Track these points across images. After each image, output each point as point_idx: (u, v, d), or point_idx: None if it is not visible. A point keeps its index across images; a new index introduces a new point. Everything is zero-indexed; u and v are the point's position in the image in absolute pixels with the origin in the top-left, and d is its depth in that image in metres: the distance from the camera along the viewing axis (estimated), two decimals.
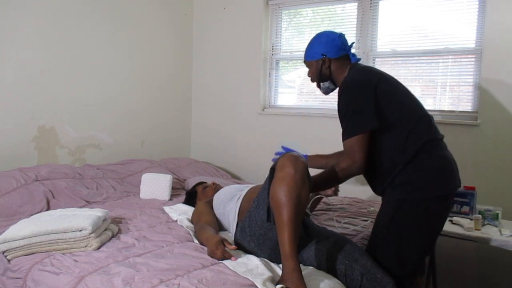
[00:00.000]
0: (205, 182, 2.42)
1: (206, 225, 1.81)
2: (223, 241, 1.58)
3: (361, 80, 1.68)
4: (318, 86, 1.88)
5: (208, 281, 1.35)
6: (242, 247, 1.69)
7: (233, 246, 1.58)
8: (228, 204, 1.89)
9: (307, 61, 1.86)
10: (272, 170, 1.52)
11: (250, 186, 1.95)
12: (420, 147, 1.58)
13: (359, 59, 1.83)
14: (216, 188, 2.26)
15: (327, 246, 1.60)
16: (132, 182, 2.78)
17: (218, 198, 2.01)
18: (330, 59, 1.78)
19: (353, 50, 1.83)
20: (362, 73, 1.72)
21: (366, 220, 2.18)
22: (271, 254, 1.61)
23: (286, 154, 1.51)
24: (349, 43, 1.82)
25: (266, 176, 1.58)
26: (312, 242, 1.64)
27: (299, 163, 1.45)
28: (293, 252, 1.36)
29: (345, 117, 1.65)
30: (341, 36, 1.81)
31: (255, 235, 1.62)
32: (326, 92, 1.88)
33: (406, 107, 1.66)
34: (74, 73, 2.85)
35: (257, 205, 1.62)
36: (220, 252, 1.54)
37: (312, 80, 1.89)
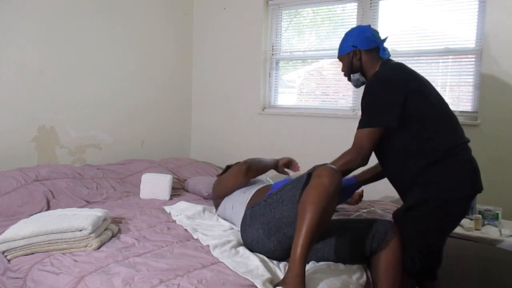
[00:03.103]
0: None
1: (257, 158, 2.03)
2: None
3: (393, 78, 1.69)
4: (349, 79, 1.92)
5: (208, 281, 1.35)
6: (246, 234, 1.71)
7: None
8: (240, 194, 1.97)
9: (340, 56, 1.90)
10: (309, 175, 1.54)
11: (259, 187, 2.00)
12: (447, 149, 1.60)
13: (389, 56, 1.84)
14: (245, 176, 2.08)
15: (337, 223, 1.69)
16: (132, 182, 2.78)
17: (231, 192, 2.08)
18: (360, 51, 1.82)
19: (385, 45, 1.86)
20: (394, 71, 1.74)
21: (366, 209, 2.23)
22: (277, 245, 1.62)
23: (326, 164, 1.53)
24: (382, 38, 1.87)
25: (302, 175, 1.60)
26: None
27: (336, 176, 1.48)
28: (303, 258, 1.37)
29: (366, 107, 1.69)
30: (371, 29, 1.85)
31: (268, 225, 1.64)
32: (357, 84, 1.91)
33: (435, 108, 1.67)
34: (74, 73, 2.85)
35: (281, 199, 1.63)
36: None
37: (345, 75, 1.93)
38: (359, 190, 2.29)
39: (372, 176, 2.00)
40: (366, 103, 1.70)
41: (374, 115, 1.65)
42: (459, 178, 1.59)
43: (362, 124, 1.67)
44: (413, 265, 1.66)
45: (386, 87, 1.66)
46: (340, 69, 1.96)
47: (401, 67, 1.78)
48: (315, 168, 1.53)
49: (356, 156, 1.66)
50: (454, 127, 1.68)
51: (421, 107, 1.64)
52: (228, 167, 2.45)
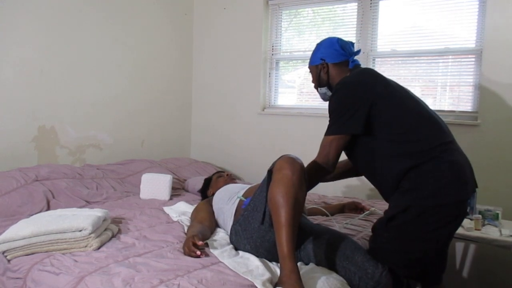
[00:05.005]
0: (223, 172, 2.50)
1: (196, 223, 1.87)
2: (194, 237, 1.63)
3: (357, 81, 1.65)
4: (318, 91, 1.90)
5: (208, 281, 1.35)
6: (238, 249, 1.71)
7: (201, 243, 1.59)
8: (227, 203, 1.92)
9: (310, 67, 1.87)
10: (270, 172, 1.52)
11: (249, 187, 1.97)
12: (425, 152, 1.51)
13: (359, 65, 1.80)
14: (227, 180, 2.33)
15: (322, 248, 1.60)
16: (132, 182, 2.78)
17: (219, 194, 2.05)
18: (328, 64, 1.78)
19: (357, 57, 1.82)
20: (360, 76, 1.69)
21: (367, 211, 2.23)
22: (268, 256, 1.62)
23: (284, 156, 1.51)
24: (355, 50, 1.81)
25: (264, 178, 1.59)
26: (308, 240, 1.65)
27: (296, 165, 1.46)
28: (291, 253, 1.36)
29: (332, 115, 1.66)
30: (339, 41, 1.79)
31: (252, 238, 1.63)
32: (324, 98, 1.86)
33: (410, 110, 1.60)
34: (74, 73, 2.85)
35: (254, 208, 1.63)
36: (186, 248, 1.60)
37: (314, 87, 1.90)
38: (359, 203, 2.31)
39: (342, 173, 1.98)
40: (331, 109, 1.66)
41: (339, 122, 1.61)
42: (441, 183, 1.48)
43: (327, 132, 1.65)
44: (407, 273, 1.61)
45: (350, 93, 1.62)
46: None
47: (368, 72, 1.73)
48: (274, 164, 1.52)
49: (321, 162, 1.63)
50: (433, 129, 1.58)
51: (393, 110, 1.58)
52: (207, 179, 2.48)
